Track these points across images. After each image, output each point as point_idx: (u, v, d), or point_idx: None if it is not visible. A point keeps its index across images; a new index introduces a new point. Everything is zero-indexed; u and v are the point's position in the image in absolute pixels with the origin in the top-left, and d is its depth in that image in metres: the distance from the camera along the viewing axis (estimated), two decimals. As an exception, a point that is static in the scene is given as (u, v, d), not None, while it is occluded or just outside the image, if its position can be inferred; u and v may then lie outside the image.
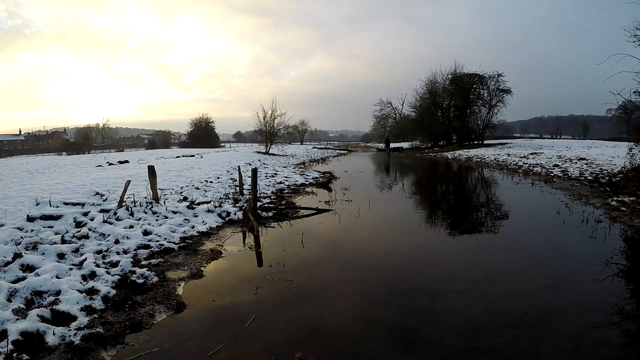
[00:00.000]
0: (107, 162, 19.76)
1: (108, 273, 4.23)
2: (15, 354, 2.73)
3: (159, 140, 66.96)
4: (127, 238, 5.43)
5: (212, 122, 56.58)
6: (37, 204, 6.62)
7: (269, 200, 9.01)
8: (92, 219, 6.00)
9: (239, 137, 78.91)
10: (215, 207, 7.57)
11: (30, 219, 5.74)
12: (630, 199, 8.03)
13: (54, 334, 3.01)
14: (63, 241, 5.10)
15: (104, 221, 5.98)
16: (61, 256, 4.61)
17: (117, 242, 5.26)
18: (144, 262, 4.76)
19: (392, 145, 37.58)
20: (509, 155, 22.20)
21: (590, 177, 11.73)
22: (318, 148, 45.50)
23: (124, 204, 6.94)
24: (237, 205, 8.09)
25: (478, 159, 22.34)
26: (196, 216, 7.02)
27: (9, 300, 3.47)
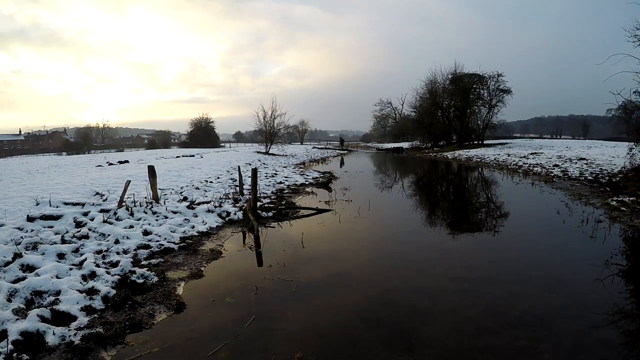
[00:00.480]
0: (107, 162, 19.77)
1: (108, 273, 4.23)
2: (15, 354, 2.73)
3: (159, 140, 67.04)
4: (127, 238, 5.43)
5: (212, 122, 56.79)
6: (37, 204, 6.62)
7: (269, 200, 9.01)
8: (92, 219, 6.00)
9: (239, 137, 79.06)
10: (215, 207, 7.57)
11: (30, 219, 5.74)
12: (630, 199, 8.03)
13: (54, 334, 3.01)
14: (63, 241, 5.10)
15: (104, 221, 5.98)
16: (61, 256, 4.61)
17: (117, 242, 5.25)
18: (144, 262, 4.76)
19: (392, 146, 42.38)
20: (509, 155, 22.20)
21: (590, 177, 11.73)
22: (318, 148, 45.50)
23: (124, 204, 6.94)
24: (237, 205, 8.09)
25: (478, 159, 22.34)
26: (196, 216, 7.02)
27: (9, 300, 3.47)
